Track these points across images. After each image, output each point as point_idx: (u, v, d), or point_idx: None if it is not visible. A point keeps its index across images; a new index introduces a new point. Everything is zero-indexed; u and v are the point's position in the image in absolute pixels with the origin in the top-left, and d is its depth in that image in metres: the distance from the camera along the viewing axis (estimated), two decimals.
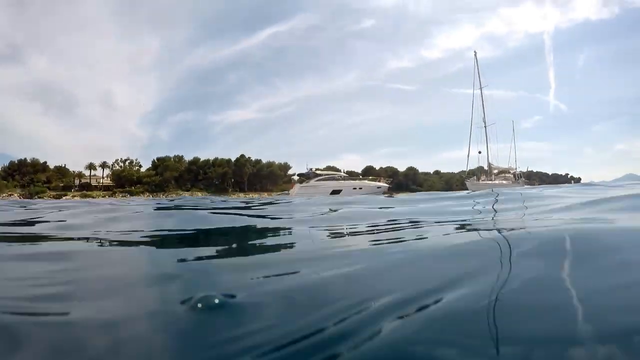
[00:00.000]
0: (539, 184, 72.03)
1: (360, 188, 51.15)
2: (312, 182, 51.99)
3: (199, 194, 64.57)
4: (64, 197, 59.35)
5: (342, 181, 53.39)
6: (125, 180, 70.77)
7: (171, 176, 69.30)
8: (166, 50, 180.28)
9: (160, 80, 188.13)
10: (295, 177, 77.63)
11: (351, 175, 57.11)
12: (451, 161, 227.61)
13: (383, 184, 54.59)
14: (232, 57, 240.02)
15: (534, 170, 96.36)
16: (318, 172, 55.51)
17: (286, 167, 74.14)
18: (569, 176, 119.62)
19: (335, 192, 49.31)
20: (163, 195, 64.74)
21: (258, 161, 72.09)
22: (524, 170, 71.85)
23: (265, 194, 66.00)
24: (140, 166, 76.62)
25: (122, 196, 64.36)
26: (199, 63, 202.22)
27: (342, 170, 60.31)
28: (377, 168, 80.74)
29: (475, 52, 59.94)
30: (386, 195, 49.76)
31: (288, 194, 52.46)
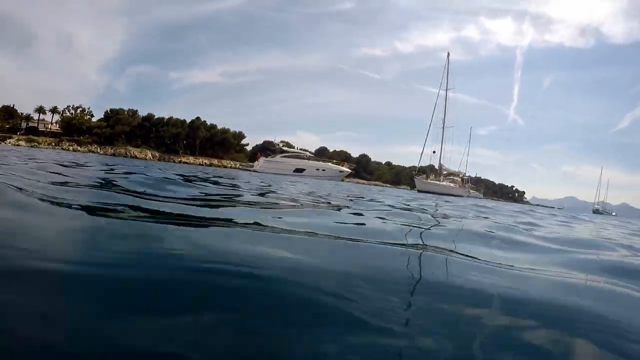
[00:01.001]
0: (484, 191, 75.39)
1: (324, 170, 52.43)
2: (278, 157, 52.83)
3: (149, 152, 64.10)
4: (7, 141, 57.72)
5: (307, 161, 54.33)
6: (75, 129, 68.99)
7: (122, 130, 67.99)
8: None
9: (125, 28, 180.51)
10: (249, 148, 78.11)
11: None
12: (404, 155, 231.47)
13: (346, 169, 56.09)
14: (203, 16, 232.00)
15: (482, 177, 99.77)
16: (285, 148, 56.39)
17: (240, 136, 73.75)
18: (514, 188, 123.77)
19: (299, 170, 50.49)
20: (111, 149, 63.91)
21: (213, 126, 71.45)
22: (473, 175, 74.82)
23: (216, 160, 66.21)
24: (92, 116, 74.56)
25: (69, 145, 63.21)
26: (169, 16, 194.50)
27: (295, 147, 61.15)
28: (331, 150, 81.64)
29: (448, 53, 61.64)
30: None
31: (252, 166, 53.39)
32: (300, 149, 59.98)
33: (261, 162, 52.03)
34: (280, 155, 53.36)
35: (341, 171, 54.41)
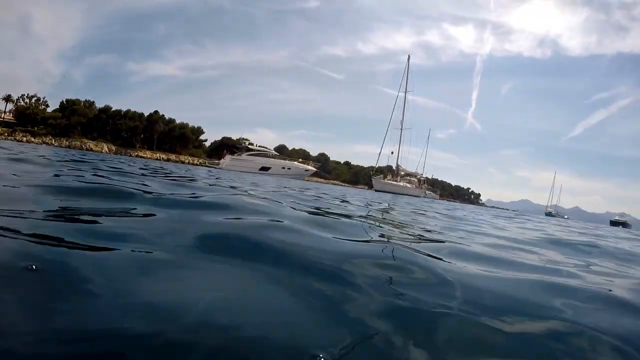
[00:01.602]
0: (440, 192, 78.26)
1: (289, 168, 53.38)
2: (244, 155, 53.52)
3: (105, 145, 63.74)
4: None
5: (273, 159, 55.07)
6: (29, 119, 67.73)
7: (78, 122, 67.17)
8: None
9: (85, 14, 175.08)
10: (208, 144, 78.60)
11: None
12: (362, 155, 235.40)
13: (311, 168, 57.10)
14: (166, 6, 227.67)
15: (439, 179, 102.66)
16: (251, 147, 57.23)
17: (199, 131, 73.49)
18: (470, 190, 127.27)
19: (265, 169, 51.31)
20: (66, 141, 63.25)
21: (171, 120, 70.99)
22: (430, 177, 77.51)
23: (174, 155, 66.58)
24: (47, 106, 73.06)
25: (22, 136, 62.27)
26: (131, 4, 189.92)
27: (255, 144, 62.28)
28: (290, 148, 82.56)
29: (409, 56, 63.54)
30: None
31: (219, 164, 53.61)
32: (260, 146, 61.04)
33: (227, 160, 52.60)
34: (247, 153, 54.06)
35: (306, 170, 55.56)
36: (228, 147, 61.43)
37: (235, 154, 54.01)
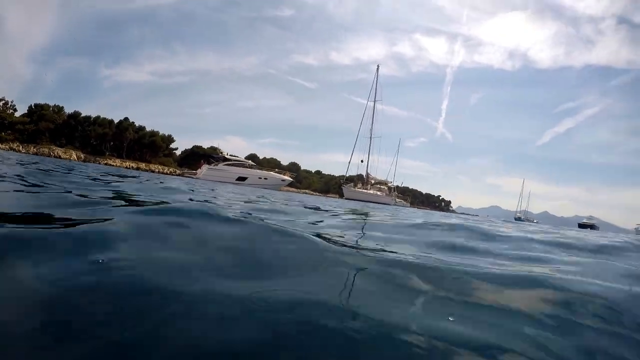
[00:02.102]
0: (411, 200, 79.95)
1: (266, 179, 53.19)
2: (221, 165, 53.40)
3: (74, 153, 63.44)
4: None
5: (249, 169, 55.00)
6: None
7: (47, 127, 66.58)
8: None
9: (59, 15, 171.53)
10: (178, 152, 78.80)
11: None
12: (334, 164, 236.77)
13: (287, 178, 57.03)
14: (140, 10, 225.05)
15: (410, 187, 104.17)
16: (227, 156, 57.35)
17: (169, 139, 73.22)
18: (440, 198, 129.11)
19: (241, 178, 51.34)
20: (34, 148, 62.76)
21: (141, 128, 70.61)
22: (400, 185, 78.99)
23: (144, 164, 66.71)
24: (16, 110, 72.21)
25: None
26: (105, 7, 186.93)
27: (225, 152, 62.86)
28: (261, 157, 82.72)
29: (378, 65, 64.44)
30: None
31: (195, 174, 53.41)
32: (235, 157, 61.48)
33: (204, 170, 52.75)
34: (223, 163, 54.06)
35: (283, 180, 55.78)
36: (203, 156, 61.55)
37: (212, 164, 54.01)
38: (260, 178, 53.08)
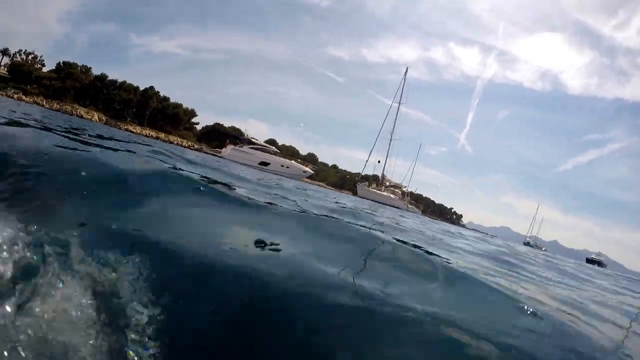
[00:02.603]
0: (423, 209, 78.97)
1: (288, 167, 53.19)
2: (245, 147, 53.65)
3: (96, 114, 63.33)
4: None
5: (273, 155, 55.19)
6: (23, 76, 66.83)
7: (72, 86, 66.53)
8: None
9: None
10: (199, 127, 78.45)
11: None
12: (351, 160, 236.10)
13: (309, 170, 57.16)
14: None
15: (423, 195, 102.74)
16: (252, 139, 57.50)
17: (192, 113, 72.70)
18: (452, 210, 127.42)
19: (264, 163, 51.68)
20: (57, 104, 62.68)
21: (166, 98, 70.42)
22: (414, 191, 78.14)
23: (163, 134, 66.44)
24: (44, 65, 72.06)
25: (14, 93, 61.57)
26: None
27: (245, 134, 62.69)
28: (280, 143, 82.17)
29: (407, 68, 63.69)
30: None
31: (220, 152, 53.95)
32: (254, 138, 61.15)
33: (229, 150, 52.94)
34: (248, 146, 54.25)
35: (304, 171, 55.60)
36: (225, 135, 61.88)
37: (238, 145, 54.19)
38: (282, 166, 52.87)
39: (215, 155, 47.43)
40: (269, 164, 52.02)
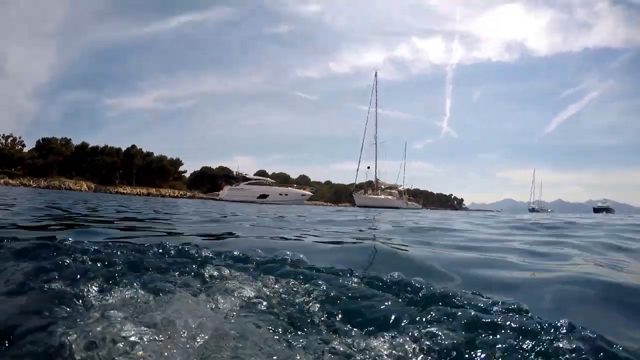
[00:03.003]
0: (423, 202, 79.61)
1: (287, 194, 54.10)
2: (242, 185, 54.74)
3: (84, 184, 63.76)
4: None
5: (270, 187, 56.32)
6: (6, 160, 67.44)
7: (55, 160, 67.19)
8: (71, 19, 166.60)
9: (59, 50, 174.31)
10: (187, 175, 79.05)
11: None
12: (344, 173, 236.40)
13: (307, 192, 58.30)
14: (139, 39, 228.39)
15: (420, 189, 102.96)
16: (247, 176, 58.34)
17: (177, 163, 73.40)
18: (452, 197, 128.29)
19: (263, 196, 52.49)
20: (44, 181, 63.00)
21: (149, 154, 71.24)
22: (410, 187, 78.82)
23: (154, 189, 66.89)
24: (24, 145, 73.12)
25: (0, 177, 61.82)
26: (104, 39, 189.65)
27: (234, 172, 63.18)
28: (270, 173, 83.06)
29: (376, 72, 65.11)
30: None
31: (218, 195, 54.63)
32: (247, 174, 61.78)
33: (226, 191, 53.79)
34: (244, 183, 55.44)
35: (303, 194, 56.61)
36: (217, 177, 62.90)
37: (234, 184, 55.22)
38: (281, 194, 53.79)
39: (214, 199, 48.10)
40: (268, 195, 52.94)
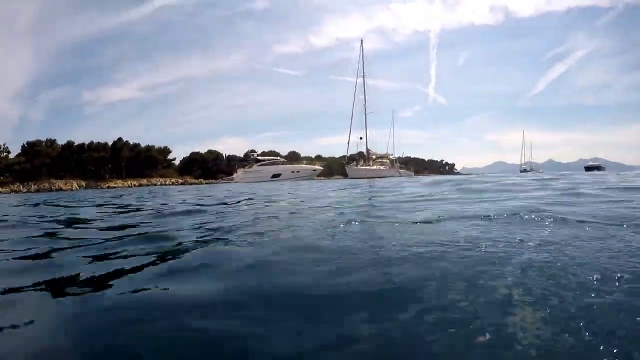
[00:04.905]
0: (414, 169, 79.70)
1: (298, 172, 56.16)
2: (255, 167, 56.55)
3: (74, 182, 63.29)
4: None
5: (282, 165, 57.99)
6: None
7: (43, 163, 66.56)
8: (44, 14, 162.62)
9: (35, 50, 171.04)
10: (177, 162, 78.62)
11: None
12: (334, 146, 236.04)
13: (318, 167, 60.61)
14: (114, 29, 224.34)
15: (411, 156, 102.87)
16: (259, 157, 59.54)
17: (166, 151, 73.05)
18: (444, 162, 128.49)
19: (276, 175, 54.23)
20: (34, 185, 62.50)
21: (136, 145, 70.60)
22: (401, 156, 78.80)
23: (145, 180, 66.53)
24: (9, 152, 72.19)
25: None
26: (78, 33, 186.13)
27: (223, 154, 63.36)
28: (259, 152, 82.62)
29: (361, 40, 63.89)
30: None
31: (233, 179, 55.62)
32: (228, 155, 62.17)
33: (240, 174, 55.39)
34: (257, 164, 57.20)
35: (314, 170, 58.82)
36: (240, 161, 63.75)
37: (247, 167, 57.30)
38: (293, 172, 55.86)
39: (229, 183, 49.14)
40: (281, 174, 54.70)
